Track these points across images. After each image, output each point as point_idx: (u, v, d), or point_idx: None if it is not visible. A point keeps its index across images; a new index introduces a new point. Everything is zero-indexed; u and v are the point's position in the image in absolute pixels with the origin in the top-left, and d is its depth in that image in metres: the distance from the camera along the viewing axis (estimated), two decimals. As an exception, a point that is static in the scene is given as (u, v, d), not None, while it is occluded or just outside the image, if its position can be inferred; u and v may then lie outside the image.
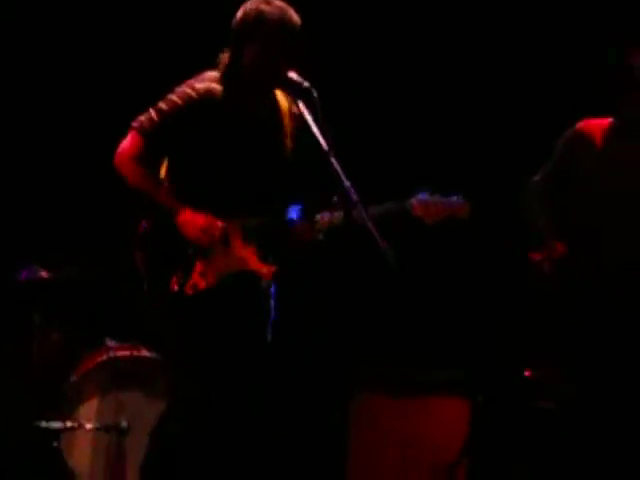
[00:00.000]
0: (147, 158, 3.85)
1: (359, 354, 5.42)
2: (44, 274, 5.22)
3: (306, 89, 3.64)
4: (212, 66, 3.90)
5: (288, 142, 4.00)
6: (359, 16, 6.00)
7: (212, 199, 3.85)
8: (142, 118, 3.82)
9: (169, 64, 4.93)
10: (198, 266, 3.82)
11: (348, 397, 5.21)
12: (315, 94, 3.59)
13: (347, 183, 3.40)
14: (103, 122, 4.93)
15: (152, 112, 3.83)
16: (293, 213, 4.07)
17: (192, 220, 3.76)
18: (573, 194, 4.56)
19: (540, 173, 4.65)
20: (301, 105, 3.64)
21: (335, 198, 3.75)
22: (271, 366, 4.09)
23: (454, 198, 3.84)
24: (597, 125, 4.55)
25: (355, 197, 3.39)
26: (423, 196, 3.83)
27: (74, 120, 5.73)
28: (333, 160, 3.43)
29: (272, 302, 4.02)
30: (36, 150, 5.85)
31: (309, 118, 3.57)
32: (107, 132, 4.13)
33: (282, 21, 3.76)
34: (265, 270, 3.94)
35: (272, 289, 4.01)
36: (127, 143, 3.81)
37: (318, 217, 3.92)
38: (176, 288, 3.81)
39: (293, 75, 3.70)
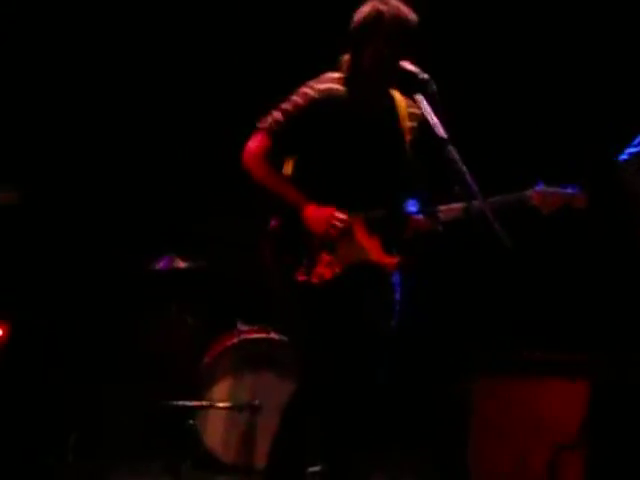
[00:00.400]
0: (274, 157, 3.97)
1: (480, 338, 5.49)
2: (180, 264, 5.52)
3: (424, 80, 3.69)
4: (331, 68, 4.00)
5: (407, 138, 4.06)
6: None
7: (335, 194, 3.94)
8: (268, 119, 3.93)
9: (291, 66, 4.97)
10: (324, 257, 3.93)
11: (470, 380, 5.23)
12: (434, 85, 3.64)
13: (467, 173, 3.47)
14: (234, 125, 4.87)
15: (277, 113, 3.95)
16: (412, 206, 4.16)
17: (317, 214, 3.88)
18: None
19: (626, 151, 4.74)
20: (419, 97, 3.70)
21: (456, 188, 3.74)
22: (396, 352, 4.17)
23: (571, 189, 3.93)
24: None
25: (475, 187, 3.46)
26: (541, 187, 3.91)
27: (205, 122, 5.93)
28: (452, 150, 3.49)
29: (396, 292, 4.12)
30: (176, 153, 6.07)
31: (428, 109, 3.63)
32: (237, 133, 4.18)
33: (400, 20, 3.81)
34: (389, 261, 4.02)
35: (396, 279, 4.11)
36: (255, 143, 3.92)
37: (439, 209, 4.00)
38: (303, 278, 3.91)
39: (410, 66, 3.76)
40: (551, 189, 3.91)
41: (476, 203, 3.56)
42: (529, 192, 3.90)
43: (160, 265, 5.61)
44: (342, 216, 3.85)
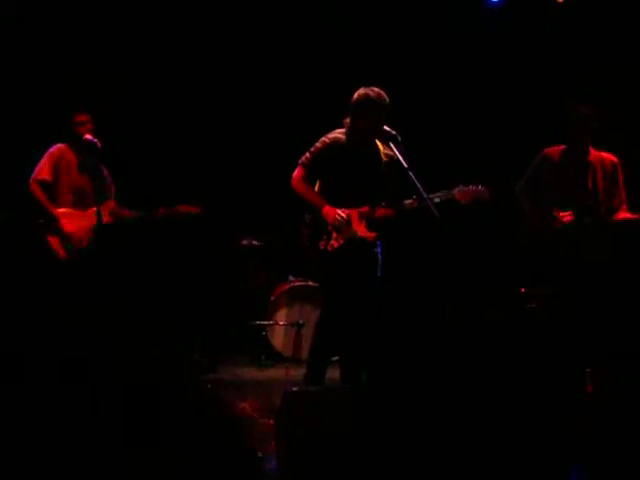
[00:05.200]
0: (307, 179, 4.88)
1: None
2: (256, 242, 6.86)
3: (394, 135, 4.61)
4: (340, 125, 4.93)
5: (383, 168, 4.90)
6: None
7: (341, 199, 4.84)
8: (303, 157, 4.85)
9: (320, 123, 5.14)
10: (334, 235, 4.82)
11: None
12: (399, 138, 4.55)
13: (420, 187, 4.32)
14: (284, 157, 5.28)
15: (307, 153, 4.86)
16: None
17: (331, 211, 4.79)
18: (541, 192, 5.55)
19: (522, 179, 5.67)
20: (392, 145, 4.59)
21: (414, 196, 4.68)
22: (382, 291, 4.92)
23: (479, 187, 4.73)
24: (556, 149, 5.58)
25: (424, 194, 4.32)
26: (460, 186, 4.71)
27: (273, 160, 6.59)
28: (412, 175, 4.36)
29: (379, 254, 4.92)
30: (257, 181, 7.01)
31: (397, 151, 4.51)
32: (284, 160, 5.17)
33: (379, 103, 4.70)
34: (370, 236, 4.90)
35: (378, 246, 4.91)
36: (296, 172, 4.88)
37: (404, 203, 4.78)
38: (323, 247, 4.85)
39: (386, 127, 4.64)
40: (467, 188, 4.67)
41: (424, 202, 4.35)
42: (453, 190, 4.68)
43: (244, 242, 6.87)
44: (343, 212, 4.77)
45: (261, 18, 7.01)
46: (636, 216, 5.32)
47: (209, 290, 6.77)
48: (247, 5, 6.94)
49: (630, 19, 6.57)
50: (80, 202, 5.88)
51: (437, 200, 4.55)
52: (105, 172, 5.95)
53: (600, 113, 5.37)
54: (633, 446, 3.53)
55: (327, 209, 4.71)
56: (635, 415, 3.83)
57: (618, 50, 6.56)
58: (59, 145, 5.92)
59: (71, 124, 5.90)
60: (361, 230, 4.79)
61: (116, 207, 5.98)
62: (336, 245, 4.74)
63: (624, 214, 5.39)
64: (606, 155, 5.54)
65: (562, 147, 5.54)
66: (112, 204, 5.97)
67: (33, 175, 5.78)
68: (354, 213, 4.77)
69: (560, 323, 4.88)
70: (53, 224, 5.72)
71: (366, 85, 4.78)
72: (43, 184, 5.77)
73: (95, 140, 5.70)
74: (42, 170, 5.79)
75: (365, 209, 4.80)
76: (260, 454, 3.49)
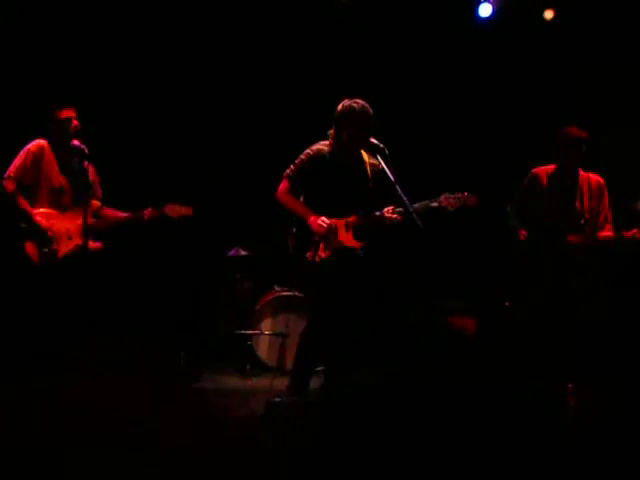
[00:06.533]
0: (292, 191, 4.95)
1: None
2: (243, 252, 6.81)
3: (381, 148, 4.70)
4: (324, 137, 5.02)
5: (369, 178, 4.96)
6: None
7: (327, 209, 4.87)
8: (287, 170, 4.91)
9: (304, 135, 5.20)
10: (321, 245, 4.86)
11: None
12: (386, 150, 4.63)
13: (405, 197, 4.40)
14: (271, 167, 5.30)
15: (292, 166, 4.91)
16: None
17: (316, 221, 4.83)
18: (529, 210, 5.73)
19: (513, 198, 5.85)
20: (379, 157, 4.66)
21: (399, 209, 4.81)
22: (366, 293, 4.94)
23: (466, 194, 4.81)
24: (544, 169, 5.75)
25: (409, 205, 4.40)
26: (447, 194, 4.80)
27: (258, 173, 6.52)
28: (398, 188, 4.46)
29: (362, 263, 4.94)
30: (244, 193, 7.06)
31: (383, 164, 4.57)
32: (271, 169, 5.17)
33: (363, 113, 4.78)
34: (356, 245, 4.94)
35: (362, 254, 4.95)
36: (281, 185, 4.94)
37: (386, 212, 4.85)
38: (310, 259, 4.88)
39: (374, 140, 4.72)
40: (453, 195, 4.78)
41: (410, 210, 4.42)
42: (440, 198, 4.79)
43: (231, 253, 6.85)
44: (328, 221, 4.80)
45: (251, 25, 7.10)
46: (614, 235, 5.49)
47: (194, 298, 6.86)
48: (243, 8, 7.01)
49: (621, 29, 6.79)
50: (57, 203, 5.62)
51: (434, 204, 4.71)
52: (91, 174, 5.64)
53: (589, 135, 5.50)
54: (616, 459, 3.58)
55: (313, 218, 4.75)
56: (618, 430, 3.91)
57: (609, 64, 6.78)
58: (39, 141, 5.64)
59: (55, 121, 5.61)
60: (347, 240, 4.84)
61: (101, 208, 5.80)
62: (324, 256, 4.77)
63: (607, 233, 5.54)
64: (593, 176, 5.65)
65: (551, 166, 5.67)
66: (97, 205, 5.76)
67: (8, 172, 5.51)
68: (340, 223, 4.83)
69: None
70: (29, 224, 5.45)
71: (350, 97, 4.84)
72: (18, 182, 5.49)
73: (83, 147, 5.44)
74: (20, 167, 5.51)
75: (352, 219, 4.86)
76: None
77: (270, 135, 7.09)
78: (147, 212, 5.68)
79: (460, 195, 4.73)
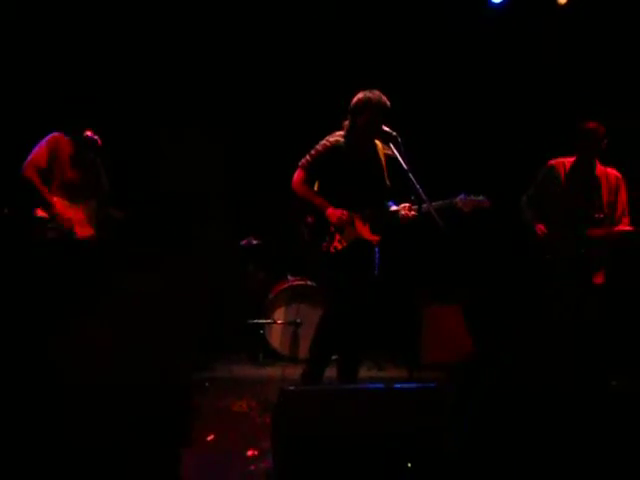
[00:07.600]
0: (307, 181, 4.82)
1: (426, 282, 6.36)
2: (255, 241, 6.89)
3: (394, 136, 4.56)
4: (339, 128, 4.91)
5: (384, 168, 4.85)
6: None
7: (343, 201, 4.76)
8: (303, 160, 4.77)
9: (316, 125, 5.10)
10: (337, 237, 4.75)
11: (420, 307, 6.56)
12: (399, 139, 4.50)
13: (420, 189, 4.26)
14: (284, 157, 5.26)
15: (308, 155, 4.77)
16: (392, 205, 4.82)
17: (334, 213, 4.72)
18: (546, 202, 5.60)
19: (527, 191, 5.70)
20: (392, 146, 4.52)
21: (412, 197, 4.62)
22: (379, 288, 4.90)
23: (481, 197, 4.69)
24: (561, 162, 5.60)
25: (424, 197, 4.26)
26: (463, 195, 4.67)
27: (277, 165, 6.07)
28: (411, 176, 4.32)
29: (377, 255, 4.88)
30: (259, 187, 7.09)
31: (397, 152, 4.44)
32: (284, 160, 5.10)
33: (379, 103, 4.67)
34: (373, 238, 4.83)
35: (377, 248, 4.86)
36: (296, 174, 4.80)
37: (402, 209, 4.76)
38: (325, 249, 4.76)
39: (386, 128, 4.59)
40: (469, 197, 4.64)
41: (424, 205, 4.34)
42: (456, 199, 4.65)
43: (243, 242, 6.93)
44: (347, 213, 4.69)
45: (259, 22, 7.07)
46: (633, 228, 5.44)
47: (208, 288, 6.40)
48: (248, 6, 6.98)
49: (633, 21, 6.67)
50: (68, 195, 5.64)
51: (440, 206, 4.58)
52: (102, 170, 5.78)
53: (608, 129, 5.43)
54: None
55: (331, 210, 4.69)
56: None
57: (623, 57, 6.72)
58: (56, 134, 5.71)
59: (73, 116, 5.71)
60: (365, 232, 4.78)
61: (103, 206, 5.85)
62: (340, 247, 4.71)
63: (624, 227, 5.48)
64: (610, 170, 5.58)
65: (568, 159, 5.57)
66: (102, 201, 5.82)
67: (28, 160, 5.54)
68: (357, 215, 4.77)
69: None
70: (48, 209, 5.49)
71: (364, 89, 4.80)
72: (39, 170, 5.54)
73: (96, 137, 5.56)
74: (38, 155, 5.57)
75: (369, 211, 4.81)
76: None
77: (281, 125, 7.10)
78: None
79: (476, 198, 4.66)
